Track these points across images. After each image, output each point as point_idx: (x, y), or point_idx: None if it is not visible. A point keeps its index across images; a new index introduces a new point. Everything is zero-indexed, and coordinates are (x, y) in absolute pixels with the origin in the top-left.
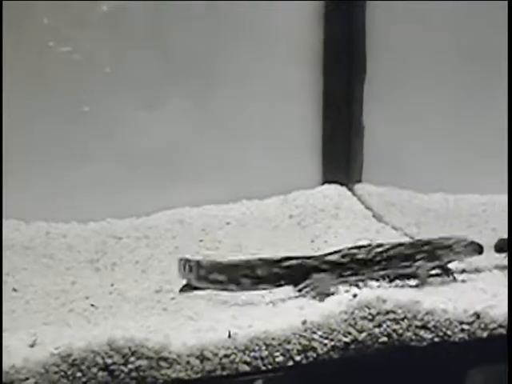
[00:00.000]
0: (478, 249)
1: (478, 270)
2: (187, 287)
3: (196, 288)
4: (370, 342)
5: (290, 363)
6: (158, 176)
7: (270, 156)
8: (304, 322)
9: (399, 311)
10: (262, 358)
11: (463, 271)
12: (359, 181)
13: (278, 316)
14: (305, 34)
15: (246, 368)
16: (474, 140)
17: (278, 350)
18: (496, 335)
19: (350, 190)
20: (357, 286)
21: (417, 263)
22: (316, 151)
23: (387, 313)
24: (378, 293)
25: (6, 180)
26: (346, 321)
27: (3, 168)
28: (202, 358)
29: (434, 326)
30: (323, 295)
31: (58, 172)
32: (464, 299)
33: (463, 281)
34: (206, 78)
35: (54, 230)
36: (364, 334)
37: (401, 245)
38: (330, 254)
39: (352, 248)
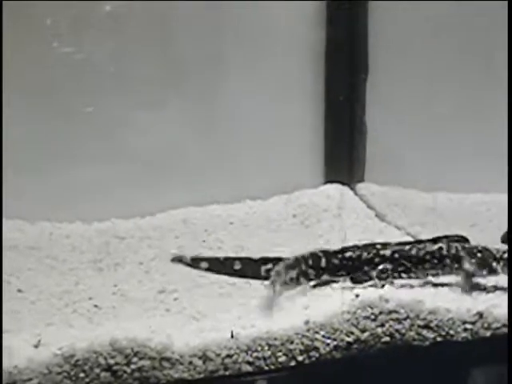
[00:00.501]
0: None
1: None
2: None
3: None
4: (373, 341)
5: (293, 363)
6: (160, 176)
7: (272, 156)
8: (307, 322)
9: (402, 311)
10: (264, 358)
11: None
12: (362, 180)
13: (281, 316)
14: (307, 34)
15: (249, 368)
16: (476, 139)
17: (280, 350)
18: (499, 335)
19: (353, 189)
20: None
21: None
22: (318, 151)
23: (390, 312)
24: (381, 292)
25: (9, 180)
26: (348, 320)
27: (6, 168)
28: (205, 358)
29: (437, 326)
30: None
31: (61, 172)
32: (467, 299)
33: None
34: (208, 78)
35: (58, 230)
36: (367, 334)
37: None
38: (378, 246)
39: (399, 244)
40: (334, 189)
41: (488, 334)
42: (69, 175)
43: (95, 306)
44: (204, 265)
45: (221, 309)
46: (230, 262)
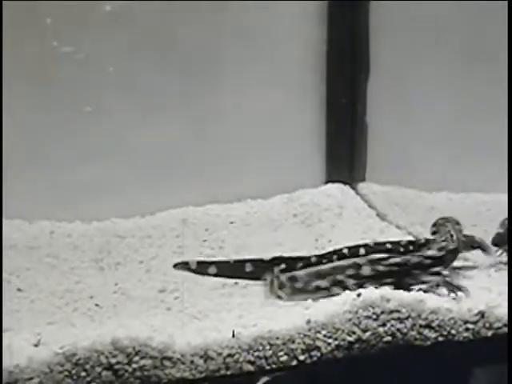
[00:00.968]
0: None
1: (481, 269)
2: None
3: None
4: (375, 341)
5: (295, 362)
6: (161, 175)
7: (273, 155)
8: (308, 322)
9: (403, 310)
10: (266, 358)
11: (467, 269)
12: (363, 180)
13: (283, 315)
14: (308, 34)
15: (250, 367)
16: (478, 139)
17: (282, 350)
18: (501, 334)
19: (354, 189)
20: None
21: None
22: (320, 150)
23: (391, 312)
24: (382, 292)
25: (9, 179)
26: (350, 320)
27: (6, 168)
28: (206, 357)
29: (439, 325)
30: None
31: (61, 171)
32: (468, 298)
33: (467, 279)
34: (209, 77)
35: (58, 229)
36: (368, 334)
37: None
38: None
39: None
40: (336, 188)
41: (489, 333)
42: (69, 175)
43: (96, 304)
44: (212, 270)
45: (222, 308)
46: (241, 265)
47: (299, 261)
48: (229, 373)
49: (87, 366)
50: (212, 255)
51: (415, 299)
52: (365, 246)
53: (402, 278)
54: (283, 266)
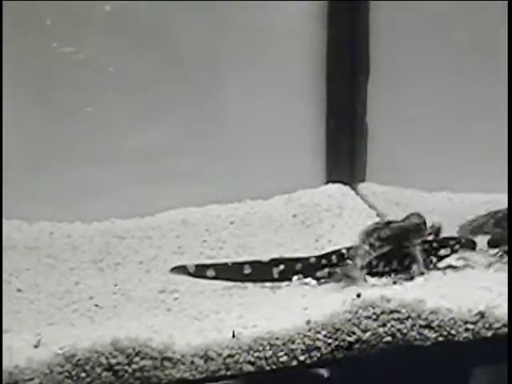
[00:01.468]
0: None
1: (481, 268)
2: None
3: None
4: (375, 341)
5: (294, 363)
6: (161, 176)
7: (273, 155)
8: (308, 322)
9: (403, 310)
10: (266, 358)
11: (467, 269)
12: (363, 180)
13: (283, 316)
14: (308, 34)
15: (250, 368)
16: (477, 139)
17: (282, 350)
18: (500, 334)
19: (354, 189)
20: None
21: None
22: (320, 151)
23: (391, 312)
24: (382, 292)
25: (9, 180)
26: (350, 320)
27: (6, 168)
28: (206, 357)
29: (439, 326)
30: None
31: (61, 172)
32: (468, 298)
33: (467, 279)
34: (209, 78)
35: (58, 230)
36: (368, 334)
37: None
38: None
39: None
40: (336, 188)
41: (489, 334)
42: (69, 175)
43: (96, 305)
44: (210, 273)
45: (222, 308)
46: (240, 267)
47: (298, 262)
48: (229, 373)
49: (87, 367)
50: (212, 256)
51: (415, 299)
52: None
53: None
54: (282, 267)
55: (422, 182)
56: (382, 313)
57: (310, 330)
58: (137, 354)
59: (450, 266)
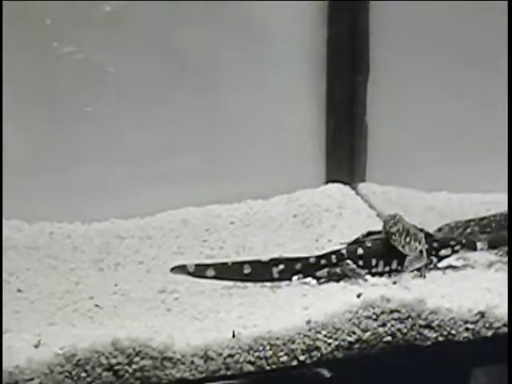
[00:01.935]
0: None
1: (481, 268)
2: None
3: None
4: (375, 341)
5: (295, 363)
6: (161, 176)
7: (273, 155)
8: (308, 322)
9: (403, 310)
10: (266, 358)
11: (467, 269)
12: (363, 180)
13: (283, 316)
14: (308, 34)
15: (251, 368)
16: (477, 139)
17: (282, 350)
18: (501, 334)
19: (354, 189)
20: None
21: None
22: (320, 151)
23: (391, 312)
24: (382, 292)
25: (9, 180)
26: (350, 320)
27: (6, 168)
28: (206, 357)
29: (439, 325)
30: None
31: (61, 172)
32: (468, 298)
33: (467, 279)
34: (209, 78)
35: (58, 230)
36: (368, 334)
37: None
38: None
39: None
40: (336, 188)
41: (489, 333)
42: (69, 175)
43: (96, 305)
44: (210, 272)
45: (222, 308)
46: (239, 267)
47: (297, 261)
48: (229, 373)
49: (87, 367)
50: (212, 255)
51: (415, 299)
52: (362, 246)
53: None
54: (282, 266)
55: (422, 182)
56: (382, 313)
57: (310, 330)
58: (137, 354)
59: (450, 266)
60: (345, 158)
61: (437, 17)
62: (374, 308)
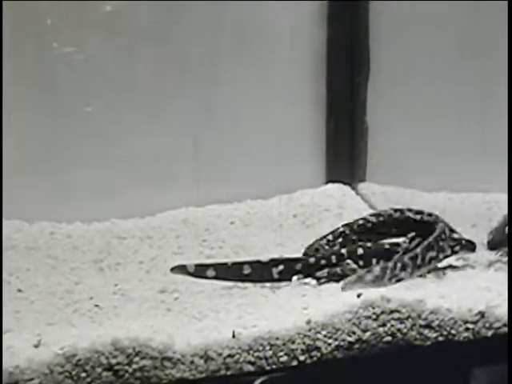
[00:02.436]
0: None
1: (481, 268)
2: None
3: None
4: (375, 341)
5: (295, 363)
6: (161, 176)
7: (273, 155)
8: (308, 322)
9: (403, 310)
10: (266, 358)
11: (467, 269)
12: (363, 180)
13: (283, 316)
14: (308, 34)
15: (251, 368)
16: (477, 139)
17: (282, 350)
18: (501, 334)
19: (354, 189)
20: None
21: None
22: (320, 151)
23: (391, 312)
24: (382, 292)
25: (8, 180)
26: (350, 320)
27: (6, 168)
28: (206, 357)
29: (439, 325)
30: None
31: (61, 172)
32: (468, 298)
33: (467, 278)
34: (208, 78)
35: (58, 230)
36: (368, 334)
37: None
38: None
39: None
40: (336, 188)
41: (489, 333)
42: (69, 175)
43: (96, 305)
44: (210, 273)
45: (222, 308)
46: (239, 267)
47: (297, 262)
48: (229, 373)
49: (87, 367)
50: (212, 255)
51: (415, 299)
52: (362, 246)
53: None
54: (281, 267)
55: (422, 181)
56: (382, 313)
57: (310, 330)
58: (137, 354)
59: (450, 266)
60: (345, 157)
61: (437, 16)
62: (373, 308)
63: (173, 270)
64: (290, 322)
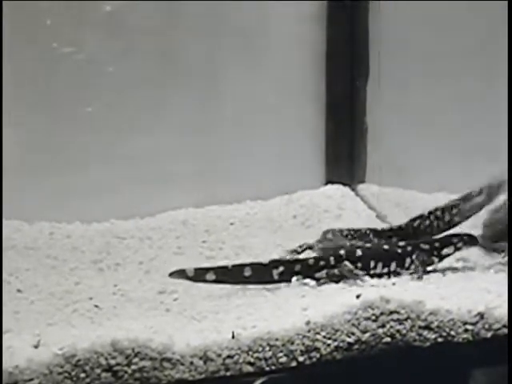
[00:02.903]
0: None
1: (480, 269)
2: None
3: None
4: (374, 342)
5: (294, 364)
6: (161, 177)
7: (273, 156)
8: (308, 323)
9: (402, 311)
10: (265, 359)
11: (466, 270)
12: (362, 181)
13: (282, 317)
14: (308, 35)
15: (250, 369)
16: (477, 139)
17: (281, 351)
18: (500, 335)
19: (354, 190)
20: None
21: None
22: (319, 152)
23: (391, 313)
24: (382, 293)
25: (8, 180)
26: (349, 321)
27: (6, 168)
28: (206, 358)
29: (438, 327)
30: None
31: (60, 172)
32: (468, 299)
33: (467, 280)
34: (208, 79)
35: (58, 230)
36: (367, 335)
37: None
38: None
39: None
40: (335, 189)
41: (489, 334)
42: (68, 175)
43: (95, 306)
44: (210, 276)
45: (221, 309)
46: (239, 269)
47: (297, 263)
48: (228, 374)
49: (87, 368)
50: (211, 256)
51: (415, 300)
52: (361, 247)
53: None
54: (281, 268)
55: (422, 182)
56: (382, 314)
57: (309, 331)
58: (136, 355)
59: (450, 268)
60: (344, 158)
61: (436, 17)
62: (373, 309)
63: (171, 274)
64: (290, 323)
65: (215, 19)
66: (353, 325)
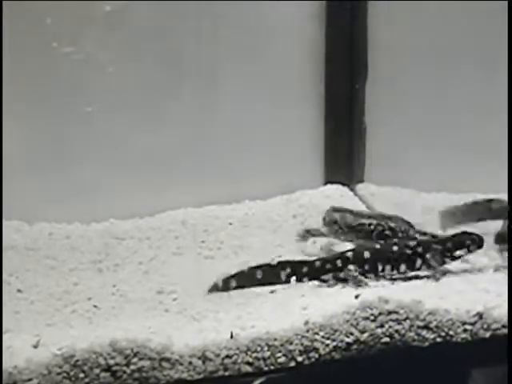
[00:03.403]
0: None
1: (480, 270)
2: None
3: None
4: (373, 342)
5: (292, 364)
6: (160, 177)
7: (272, 156)
8: (306, 323)
9: (401, 311)
10: (264, 359)
11: (465, 271)
12: (361, 181)
13: (281, 317)
14: (307, 34)
15: (248, 369)
16: (477, 139)
17: (280, 351)
18: (499, 335)
19: (353, 190)
20: None
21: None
22: (318, 151)
23: (389, 313)
24: (380, 293)
25: (8, 181)
26: (348, 321)
27: (6, 169)
28: (204, 358)
29: (437, 327)
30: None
31: (60, 173)
32: (466, 299)
33: (465, 279)
34: (208, 79)
35: (57, 230)
36: (366, 335)
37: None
38: None
39: None
40: (334, 189)
41: (487, 334)
42: (68, 176)
43: (94, 306)
44: (233, 283)
45: (220, 309)
46: (253, 272)
47: (304, 265)
48: (227, 374)
49: (85, 368)
50: (210, 256)
51: (413, 300)
52: (369, 249)
53: None
54: (289, 270)
55: (421, 182)
56: (380, 314)
57: (308, 331)
58: (135, 355)
59: (449, 267)
60: (343, 158)
61: (436, 17)
62: (371, 309)
63: (210, 291)
64: (289, 323)
65: (215, 19)
66: (351, 325)
